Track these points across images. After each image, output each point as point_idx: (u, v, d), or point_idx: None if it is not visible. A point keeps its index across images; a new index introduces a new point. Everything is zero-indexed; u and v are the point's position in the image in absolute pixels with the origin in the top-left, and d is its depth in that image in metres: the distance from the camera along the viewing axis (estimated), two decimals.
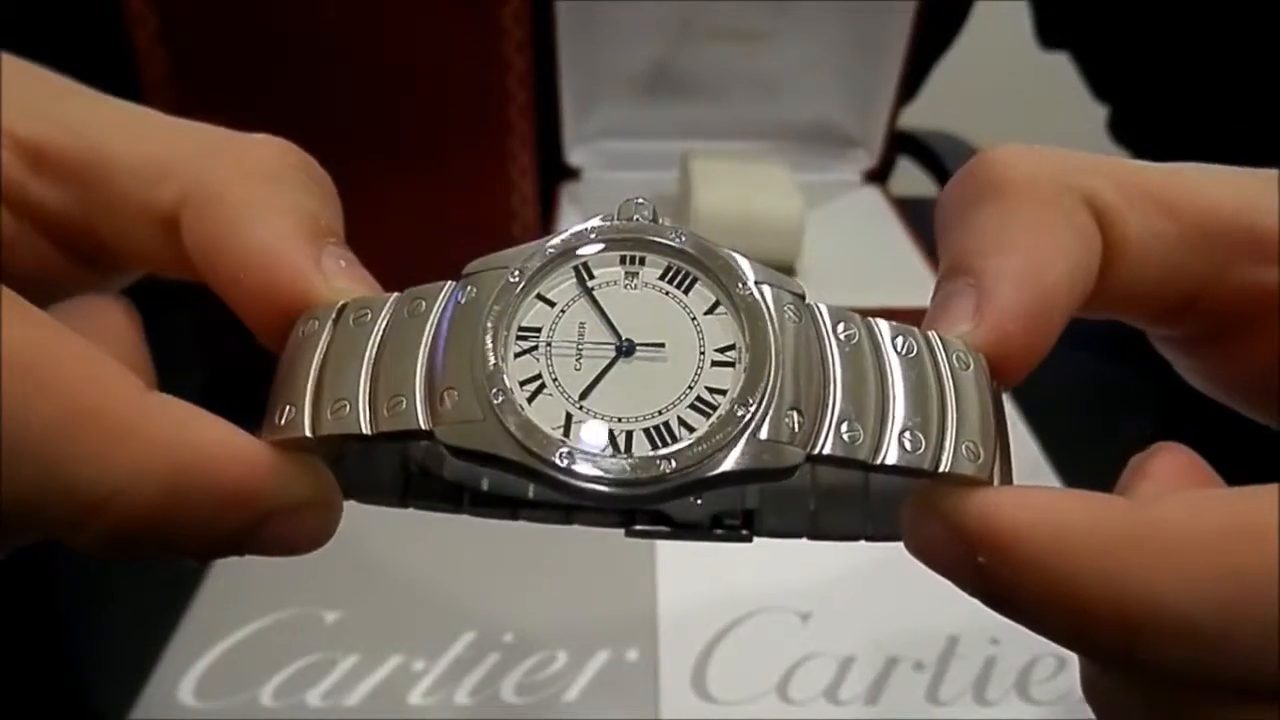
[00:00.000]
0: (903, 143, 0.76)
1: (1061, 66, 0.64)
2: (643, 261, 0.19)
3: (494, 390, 0.17)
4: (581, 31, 0.62)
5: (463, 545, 0.41)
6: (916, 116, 0.78)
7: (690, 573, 0.39)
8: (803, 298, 0.18)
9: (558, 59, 0.62)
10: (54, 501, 0.16)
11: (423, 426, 0.17)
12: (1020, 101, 1.44)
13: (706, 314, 0.18)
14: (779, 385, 0.17)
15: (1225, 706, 0.16)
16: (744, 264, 0.18)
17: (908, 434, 0.17)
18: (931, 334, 0.18)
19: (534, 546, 0.41)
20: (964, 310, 0.19)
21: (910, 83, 0.68)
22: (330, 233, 0.20)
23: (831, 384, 0.17)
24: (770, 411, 0.17)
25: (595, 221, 0.19)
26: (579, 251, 0.18)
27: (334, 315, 0.19)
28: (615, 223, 0.19)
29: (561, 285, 0.18)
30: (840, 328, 0.18)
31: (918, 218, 0.63)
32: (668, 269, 0.18)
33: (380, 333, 0.18)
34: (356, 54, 0.48)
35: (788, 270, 0.57)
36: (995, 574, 0.17)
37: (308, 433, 0.18)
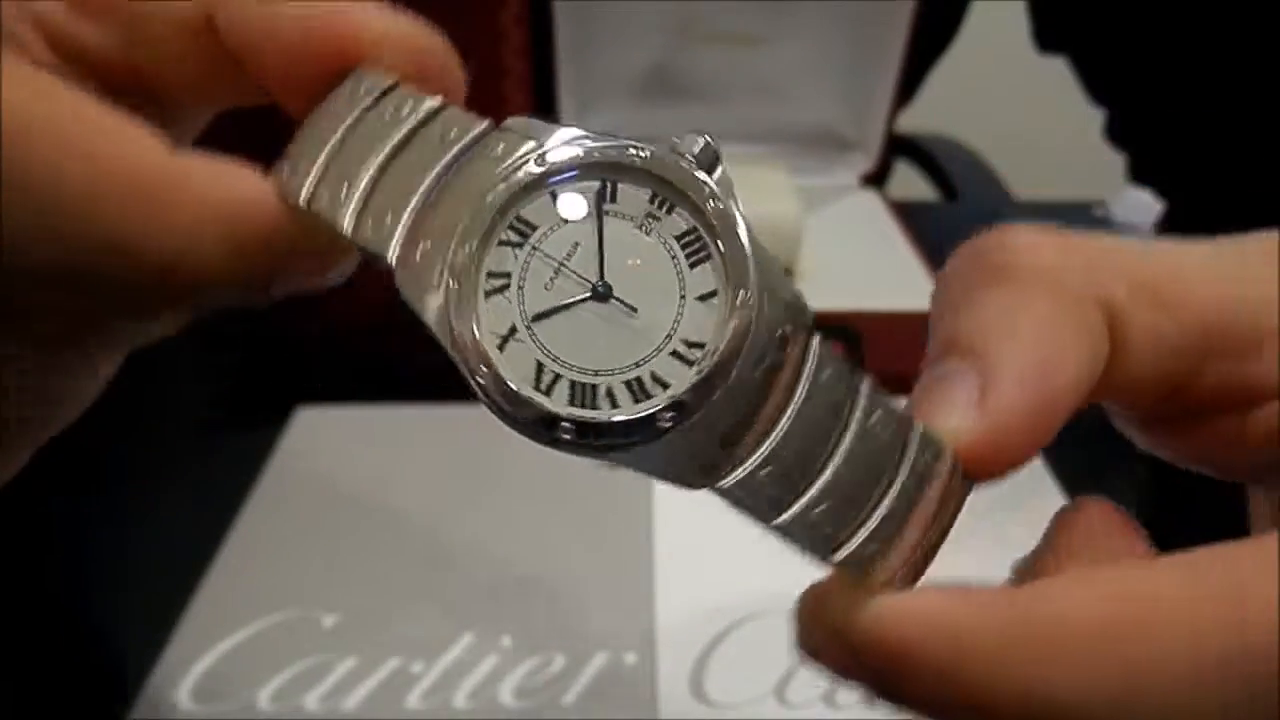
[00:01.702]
0: (900, 146, 0.76)
1: (1059, 69, 0.64)
2: (669, 210, 0.17)
3: (459, 273, 0.16)
4: (580, 35, 0.63)
5: (461, 547, 0.41)
6: (914, 120, 0.78)
7: (689, 576, 0.39)
8: (809, 328, 0.17)
9: (556, 62, 0.63)
10: (124, 273, 0.17)
11: (389, 260, 0.17)
12: (1018, 105, 1.44)
13: (698, 299, 0.17)
14: (715, 410, 0.16)
15: None
16: (754, 265, 0.17)
17: (820, 508, 0.17)
18: (917, 423, 0.18)
19: (533, 549, 0.41)
20: (965, 396, 0.18)
21: (907, 86, 0.68)
22: None
23: (778, 425, 0.17)
24: (692, 427, 0.16)
25: (662, 145, 0.17)
26: (614, 165, 0.17)
27: (380, 91, 0.18)
28: (672, 158, 0.17)
29: (579, 194, 0.17)
30: (826, 374, 0.17)
31: (916, 221, 0.63)
32: (688, 233, 0.17)
33: (404, 136, 0.17)
34: None
35: (785, 273, 0.57)
36: (889, 683, 0.16)
37: (300, 202, 0.17)
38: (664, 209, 0.17)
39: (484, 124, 0.18)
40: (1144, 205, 0.63)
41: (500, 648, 0.37)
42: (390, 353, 0.48)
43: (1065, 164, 1.04)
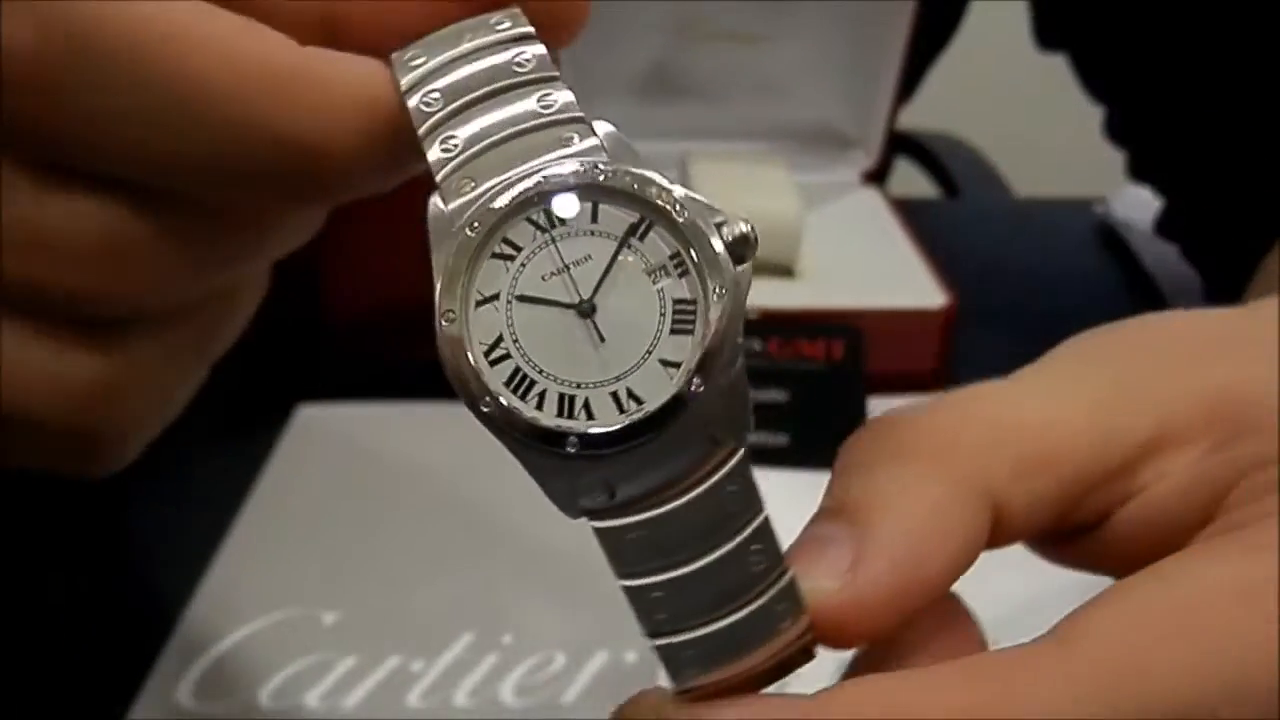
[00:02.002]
0: (902, 144, 0.76)
1: (1061, 67, 0.64)
2: (682, 274, 0.18)
3: (481, 224, 0.17)
4: (580, 34, 0.62)
5: (461, 546, 0.41)
6: (915, 118, 0.78)
7: None
8: (741, 441, 0.18)
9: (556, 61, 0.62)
10: (279, 162, 0.18)
11: (436, 176, 0.17)
12: (1019, 102, 1.44)
13: (661, 362, 0.17)
14: (619, 463, 0.17)
15: None
16: (725, 364, 0.17)
17: (661, 594, 0.17)
18: (791, 571, 0.18)
19: (533, 547, 0.41)
20: (839, 562, 0.18)
21: (906, 83, 0.68)
22: None
23: (665, 506, 0.17)
24: (592, 466, 0.17)
25: (708, 212, 0.18)
26: (660, 211, 0.17)
27: (517, 35, 0.18)
28: (710, 236, 0.17)
29: (616, 217, 0.18)
30: (732, 488, 0.18)
31: (917, 219, 0.63)
32: (686, 302, 0.17)
33: (509, 84, 0.18)
34: None
35: (786, 271, 0.57)
36: None
37: (402, 86, 0.18)
38: (678, 271, 0.18)
39: (577, 110, 0.18)
40: (1144, 203, 0.63)
41: (501, 646, 0.37)
42: (391, 351, 0.48)
43: (1066, 161, 1.04)
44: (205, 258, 0.20)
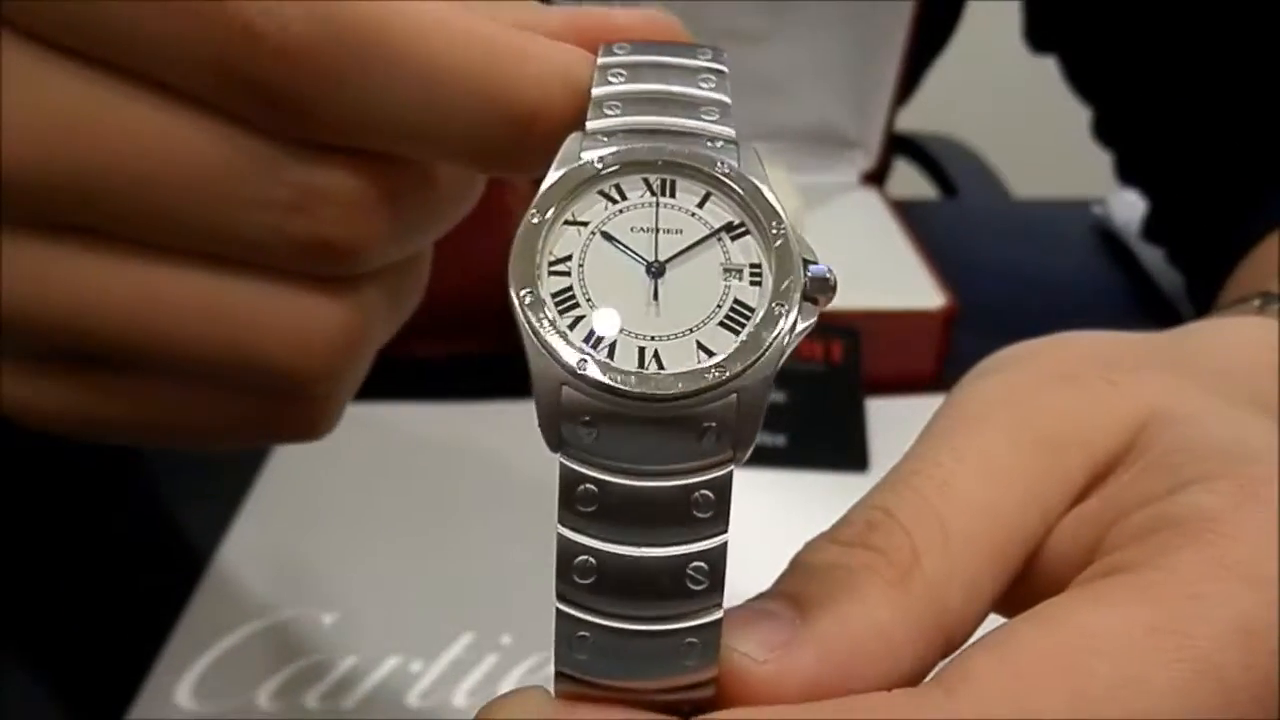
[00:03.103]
0: (900, 145, 0.76)
1: (1058, 68, 0.64)
2: (755, 283, 0.18)
3: (608, 165, 0.18)
4: None
5: (461, 546, 0.41)
6: (914, 119, 0.78)
7: None
8: (734, 459, 0.17)
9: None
10: (496, 124, 0.20)
11: (587, 126, 0.19)
12: (1018, 103, 1.44)
13: (698, 344, 0.17)
14: (613, 424, 0.17)
15: None
16: (748, 373, 0.17)
17: (590, 560, 0.18)
18: (721, 613, 0.17)
19: (533, 547, 0.41)
20: (769, 639, 0.18)
21: (905, 84, 0.68)
22: None
23: (635, 481, 0.17)
24: (588, 411, 0.17)
25: (800, 243, 0.19)
26: (761, 226, 0.18)
27: (719, 66, 0.21)
28: (798, 269, 0.18)
29: (720, 211, 0.19)
30: (704, 495, 0.17)
31: (915, 219, 0.63)
32: (744, 309, 0.18)
33: (687, 97, 0.20)
34: None
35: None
36: None
37: (599, 63, 0.20)
38: (752, 280, 0.18)
39: (733, 134, 0.20)
40: (1142, 204, 0.63)
41: (500, 646, 0.37)
42: (391, 351, 0.48)
43: (1064, 163, 1.04)
44: (418, 218, 0.22)
